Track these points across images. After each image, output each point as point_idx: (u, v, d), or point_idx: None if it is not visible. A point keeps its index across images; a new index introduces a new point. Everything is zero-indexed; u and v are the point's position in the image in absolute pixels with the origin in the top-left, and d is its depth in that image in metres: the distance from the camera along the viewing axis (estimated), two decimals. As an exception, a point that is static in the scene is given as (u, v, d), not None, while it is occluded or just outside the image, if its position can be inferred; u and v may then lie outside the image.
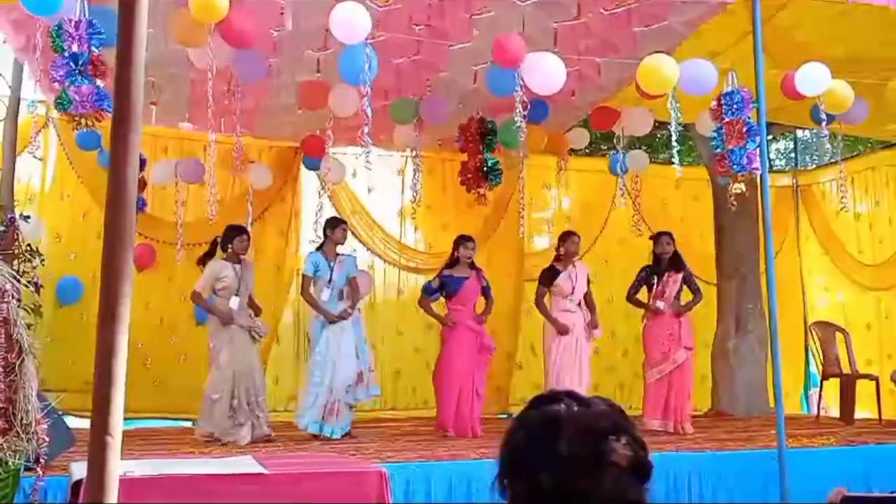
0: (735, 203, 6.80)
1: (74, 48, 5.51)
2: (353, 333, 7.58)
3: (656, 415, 7.88)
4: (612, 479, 1.40)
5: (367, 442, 7.18)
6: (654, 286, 8.11)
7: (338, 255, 7.71)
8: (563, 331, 7.82)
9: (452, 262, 7.98)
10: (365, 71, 5.93)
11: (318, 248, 7.75)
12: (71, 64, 5.50)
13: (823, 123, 7.01)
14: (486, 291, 8.03)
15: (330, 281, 7.56)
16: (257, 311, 7.62)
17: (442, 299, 8.11)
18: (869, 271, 10.60)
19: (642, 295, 8.22)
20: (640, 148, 10.04)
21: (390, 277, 10.00)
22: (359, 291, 7.79)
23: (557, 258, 8.15)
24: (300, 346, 9.71)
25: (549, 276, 8.03)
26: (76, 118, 5.64)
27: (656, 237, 8.27)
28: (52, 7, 5.64)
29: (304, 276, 7.67)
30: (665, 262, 8.13)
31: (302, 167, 9.51)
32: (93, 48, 5.55)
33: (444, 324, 7.90)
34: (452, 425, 7.63)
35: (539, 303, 8.04)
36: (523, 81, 6.39)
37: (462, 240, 8.03)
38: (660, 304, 8.04)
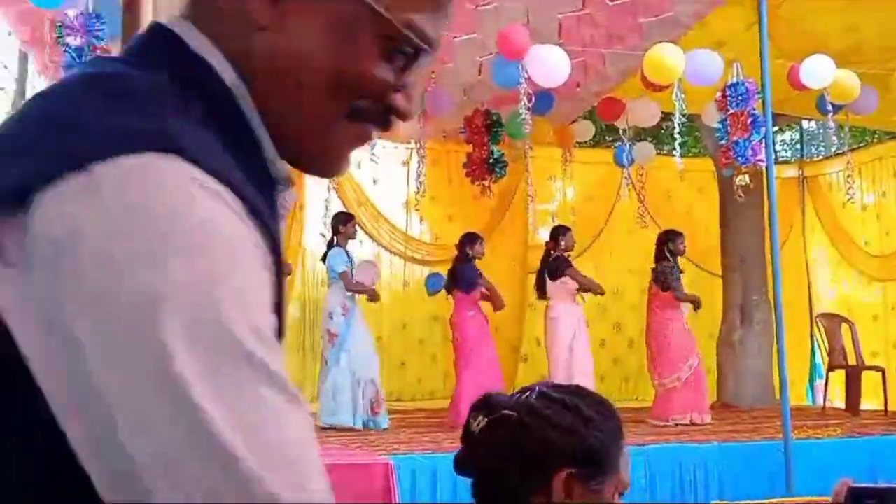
0: (742, 195, 6.76)
1: (78, 41, 5.51)
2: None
3: (689, 409, 7.68)
4: (484, 451, 1.44)
5: (373, 434, 7.19)
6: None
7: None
8: (600, 291, 8.10)
9: (466, 258, 7.93)
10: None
11: (336, 244, 7.69)
12: (73, 58, 5.50)
13: (829, 115, 6.98)
14: None
15: (352, 273, 7.61)
16: None
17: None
18: (875, 262, 10.57)
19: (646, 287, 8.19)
20: (645, 139, 10.00)
21: (396, 269, 9.98)
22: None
23: (557, 251, 8.09)
24: (305, 339, 9.71)
25: (567, 263, 8.01)
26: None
27: (674, 235, 8.00)
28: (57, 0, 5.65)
29: (342, 273, 7.49)
30: (678, 260, 8.01)
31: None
32: (95, 41, 5.54)
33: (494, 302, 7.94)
34: None
35: (576, 274, 7.94)
36: (528, 73, 6.37)
37: (475, 238, 7.98)
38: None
